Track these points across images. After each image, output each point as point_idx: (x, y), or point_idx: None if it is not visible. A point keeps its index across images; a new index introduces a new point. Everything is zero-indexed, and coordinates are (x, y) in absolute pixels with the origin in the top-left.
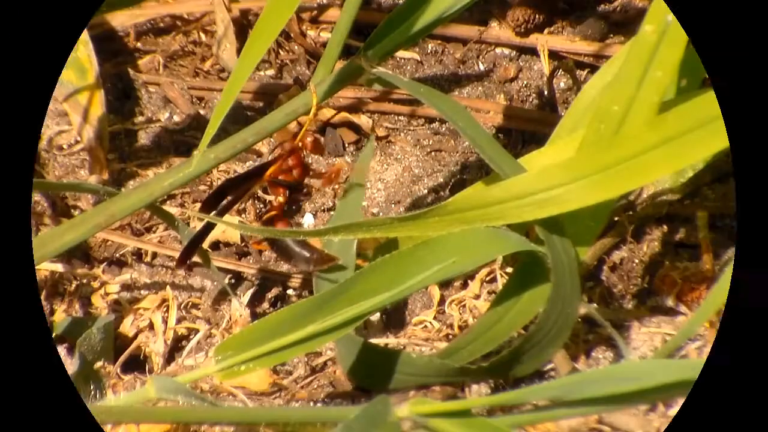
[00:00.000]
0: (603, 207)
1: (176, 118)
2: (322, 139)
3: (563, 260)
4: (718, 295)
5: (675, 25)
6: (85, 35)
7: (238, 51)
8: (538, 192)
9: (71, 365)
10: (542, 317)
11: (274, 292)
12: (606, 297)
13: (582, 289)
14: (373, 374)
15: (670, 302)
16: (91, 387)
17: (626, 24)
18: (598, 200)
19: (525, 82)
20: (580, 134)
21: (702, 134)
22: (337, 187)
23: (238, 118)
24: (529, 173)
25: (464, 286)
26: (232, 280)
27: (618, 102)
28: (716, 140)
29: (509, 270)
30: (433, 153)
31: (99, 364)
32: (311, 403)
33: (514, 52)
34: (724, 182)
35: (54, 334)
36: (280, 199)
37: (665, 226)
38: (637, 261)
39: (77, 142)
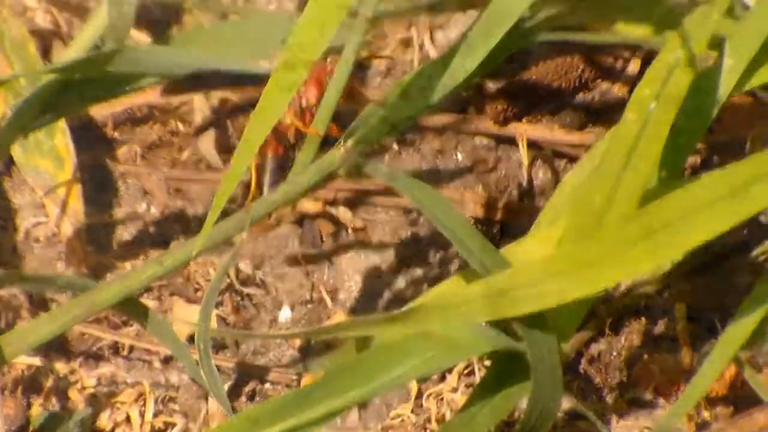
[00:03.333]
0: (583, 301)
1: (153, 210)
2: None
3: (545, 356)
4: (696, 388)
5: (657, 113)
6: (62, 123)
7: (216, 141)
8: (518, 288)
9: None
10: (524, 418)
11: (252, 385)
12: (584, 390)
13: None
14: None
15: (648, 395)
16: None
17: (605, 112)
18: (579, 296)
19: (503, 173)
20: (560, 226)
21: (683, 227)
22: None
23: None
24: (508, 270)
25: (442, 379)
26: None
27: (599, 193)
28: (698, 233)
29: (487, 363)
30: (411, 244)
31: None
32: None
33: (493, 142)
34: (702, 273)
35: (31, 429)
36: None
37: (643, 318)
38: (615, 353)
39: (54, 234)
